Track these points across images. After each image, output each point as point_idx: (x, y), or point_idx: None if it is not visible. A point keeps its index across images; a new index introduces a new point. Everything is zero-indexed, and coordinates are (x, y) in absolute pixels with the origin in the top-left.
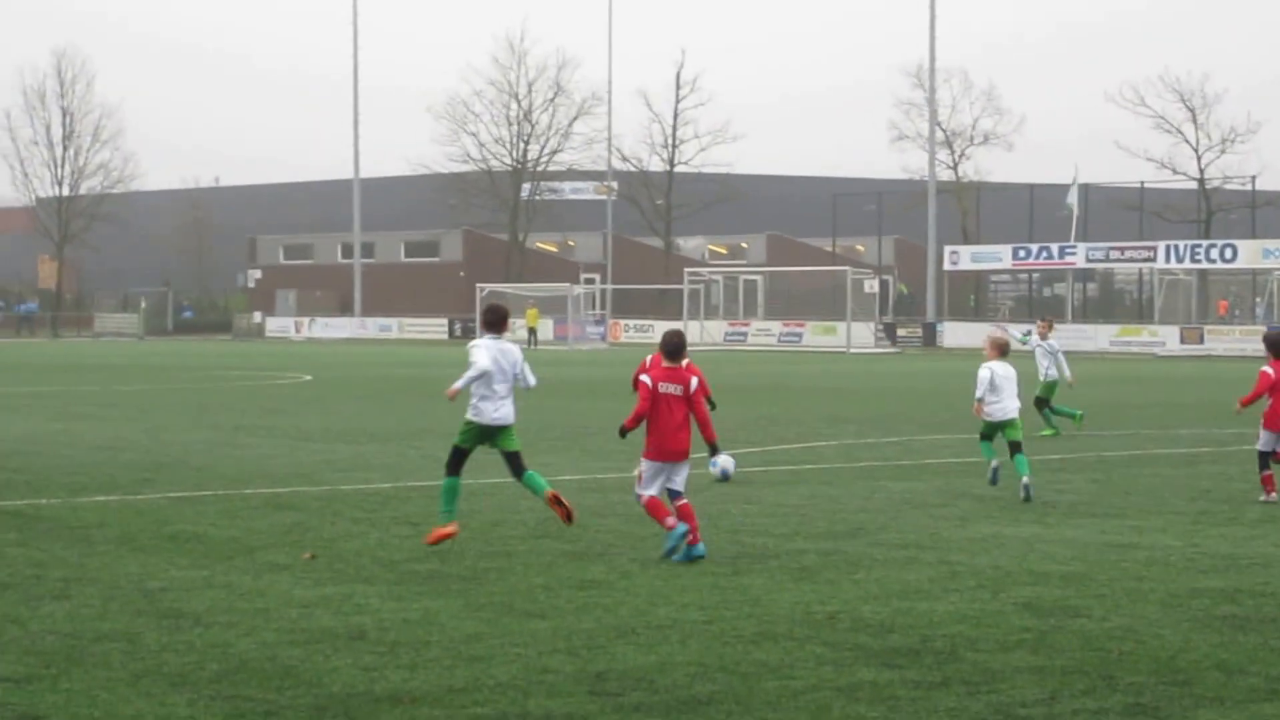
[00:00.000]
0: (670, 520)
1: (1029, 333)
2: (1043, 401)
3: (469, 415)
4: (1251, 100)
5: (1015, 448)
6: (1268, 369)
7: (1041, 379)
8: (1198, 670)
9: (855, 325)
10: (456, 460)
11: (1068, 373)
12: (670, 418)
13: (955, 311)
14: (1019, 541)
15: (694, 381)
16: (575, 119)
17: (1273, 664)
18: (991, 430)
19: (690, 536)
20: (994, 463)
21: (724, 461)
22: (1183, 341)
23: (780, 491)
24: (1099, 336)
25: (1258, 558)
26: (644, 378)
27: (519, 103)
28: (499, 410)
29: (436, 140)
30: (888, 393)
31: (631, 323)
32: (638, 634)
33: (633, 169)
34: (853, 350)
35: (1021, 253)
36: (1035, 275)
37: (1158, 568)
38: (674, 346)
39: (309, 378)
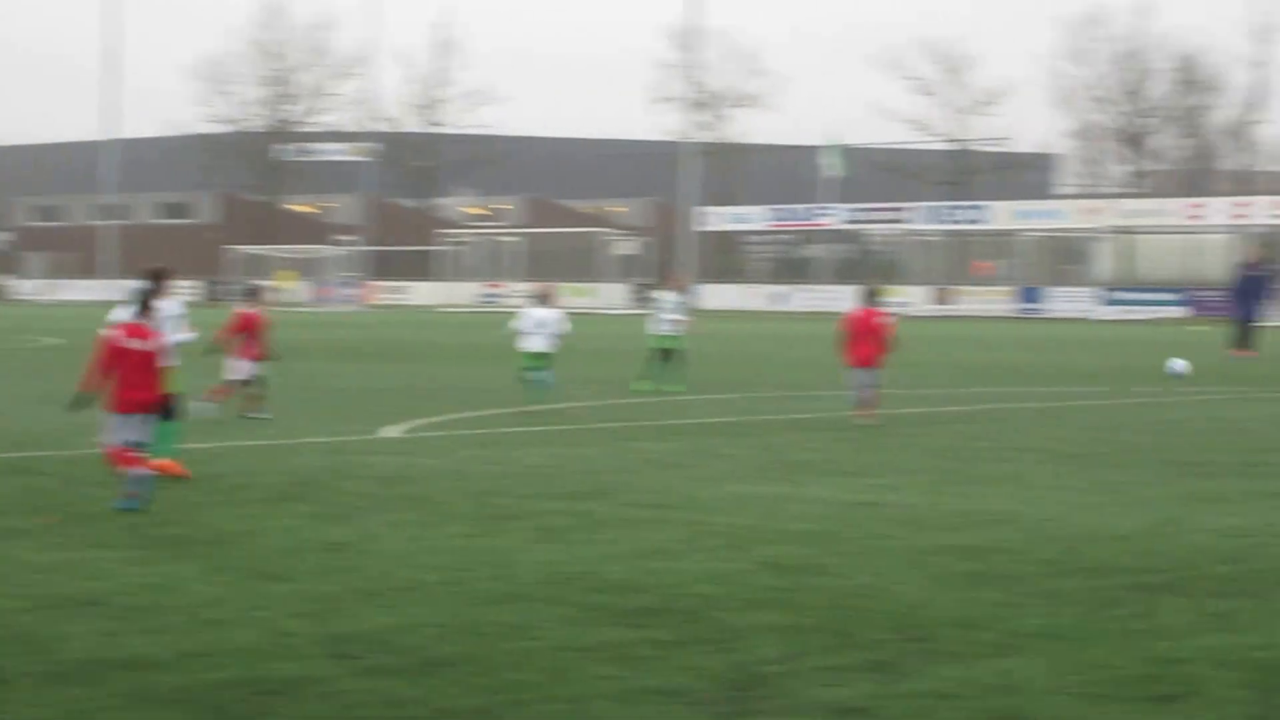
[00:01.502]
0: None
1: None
2: (664, 354)
3: None
4: (1005, 64)
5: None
6: None
7: (660, 333)
8: (937, 626)
9: (610, 286)
10: None
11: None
12: (130, 372)
13: (712, 273)
14: (766, 500)
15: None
16: (335, 79)
17: (1010, 619)
18: None
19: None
20: None
21: None
22: (934, 302)
23: (528, 452)
24: (851, 297)
25: (998, 514)
26: (111, 334)
27: (279, 63)
28: None
29: (194, 101)
30: (640, 354)
31: (387, 285)
32: (381, 596)
33: (391, 130)
34: (607, 311)
35: (778, 214)
36: (791, 236)
37: (900, 526)
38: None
39: (57, 341)
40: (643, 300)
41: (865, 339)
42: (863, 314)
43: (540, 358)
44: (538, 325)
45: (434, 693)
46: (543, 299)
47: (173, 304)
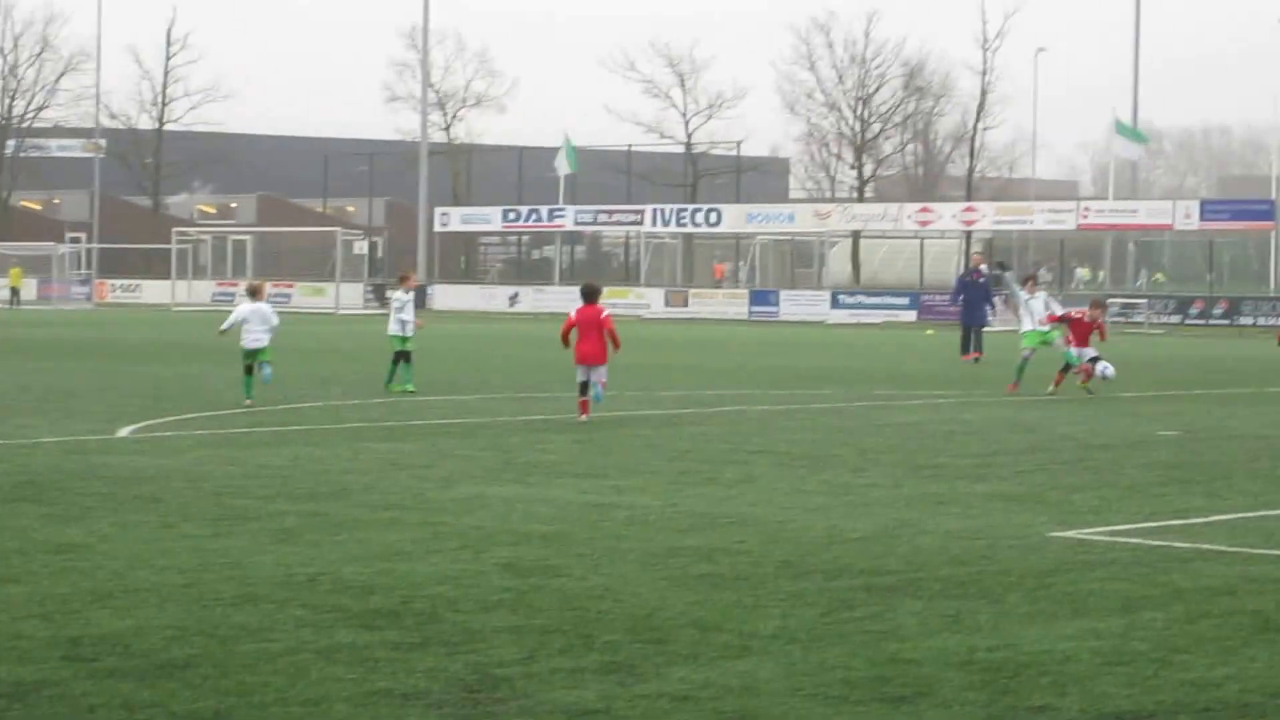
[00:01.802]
0: None
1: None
2: (400, 355)
3: None
4: (738, 68)
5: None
6: None
7: (395, 334)
8: (673, 628)
9: (344, 286)
10: None
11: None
12: None
13: (446, 274)
14: (501, 502)
15: None
16: (62, 75)
17: (745, 621)
18: None
19: None
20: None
21: None
22: (668, 304)
23: (264, 453)
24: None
25: (734, 516)
26: None
27: (4, 57)
28: None
29: None
30: (375, 354)
31: (119, 282)
32: (115, 598)
33: (122, 127)
34: (341, 311)
35: (511, 215)
36: (525, 238)
37: (637, 527)
38: None
39: None
40: (379, 300)
41: (589, 336)
42: (586, 311)
43: (256, 353)
44: (251, 319)
45: (170, 695)
46: (253, 293)
47: None
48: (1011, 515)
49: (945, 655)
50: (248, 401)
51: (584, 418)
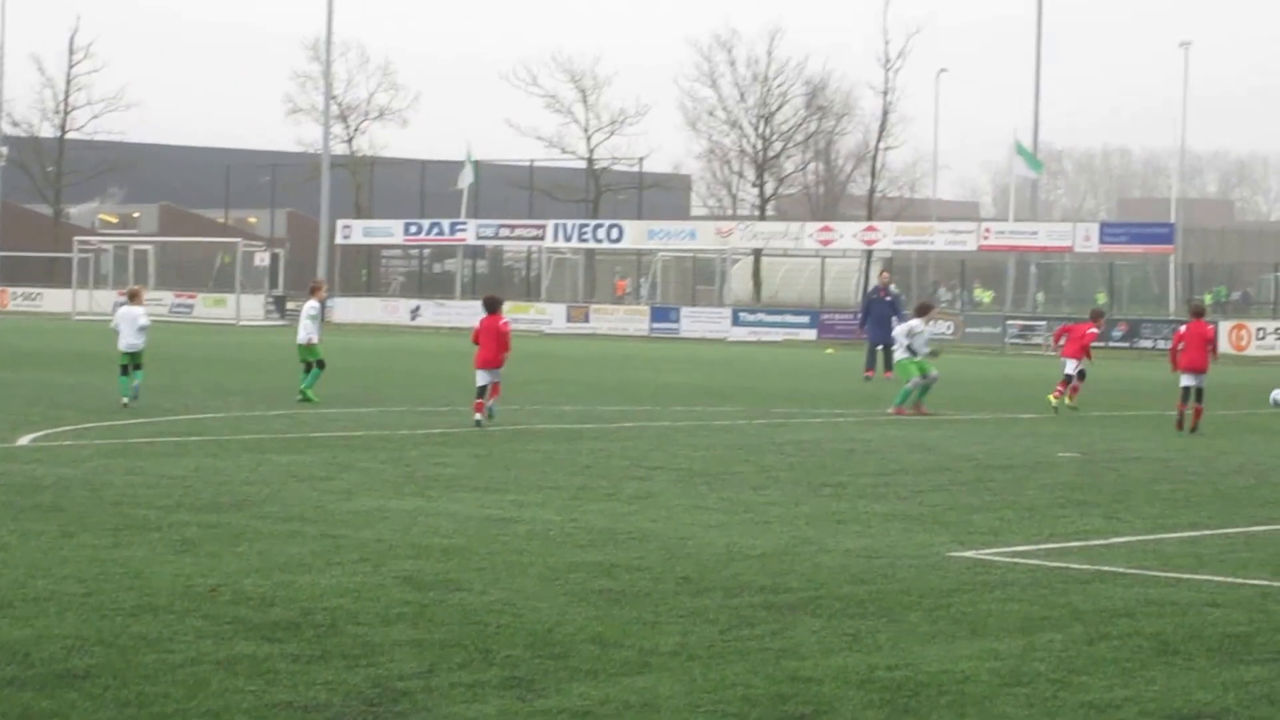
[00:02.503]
0: None
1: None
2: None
3: None
4: (641, 83)
5: None
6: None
7: (302, 343)
8: (573, 643)
9: (246, 297)
10: None
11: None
12: None
13: (347, 287)
14: (402, 515)
15: None
16: None
17: (645, 637)
18: None
19: None
20: None
21: None
22: (569, 320)
23: (164, 463)
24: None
25: (634, 532)
26: None
27: None
28: None
29: None
30: (276, 365)
31: (20, 291)
32: (14, 607)
33: (24, 135)
34: (243, 322)
35: (413, 228)
36: (427, 251)
37: (537, 542)
38: None
39: None
40: (280, 312)
41: (488, 344)
42: (487, 321)
43: (132, 355)
44: (123, 323)
45: (69, 706)
46: (131, 298)
47: None
48: (911, 535)
49: (845, 674)
50: (124, 401)
51: (478, 416)
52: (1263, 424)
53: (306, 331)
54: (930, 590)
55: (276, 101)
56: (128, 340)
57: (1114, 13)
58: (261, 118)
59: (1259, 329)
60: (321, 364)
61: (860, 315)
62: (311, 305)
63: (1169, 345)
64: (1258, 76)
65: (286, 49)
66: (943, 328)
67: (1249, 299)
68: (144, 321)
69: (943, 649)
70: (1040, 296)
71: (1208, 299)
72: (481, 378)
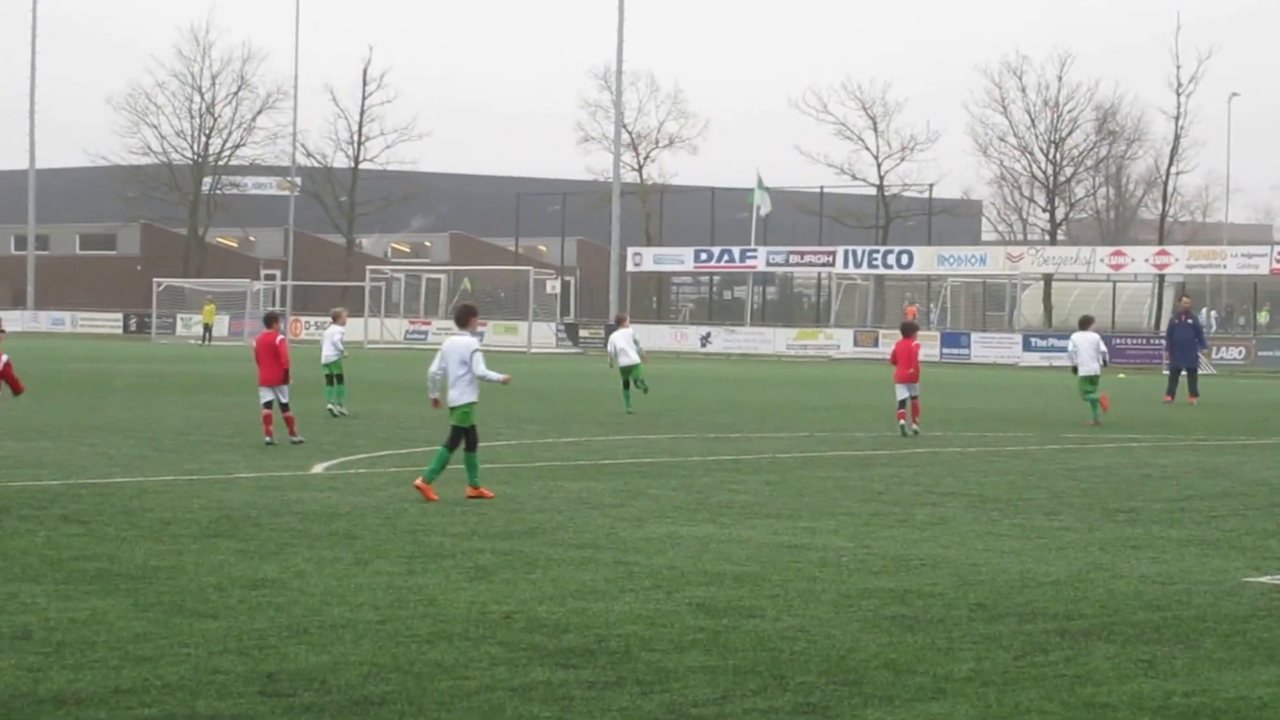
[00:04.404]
0: None
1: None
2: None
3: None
4: (931, 109)
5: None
6: None
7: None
8: (867, 670)
9: (537, 325)
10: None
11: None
12: None
13: (637, 313)
14: (694, 541)
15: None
16: (259, 113)
17: (938, 663)
18: None
19: None
20: None
21: None
22: (856, 344)
23: (458, 490)
24: (778, 339)
25: (926, 559)
26: None
27: (202, 95)
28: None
29: (116, 132)
30: (567, 393)
31: (313, 320)
32: (310, 634)
33: (317, 165)
34: (534, 350)
35: (703, 255)
36: (716, 278)
37: (830, 568)
38: None
39: None
40: (572, 339)
41: (265, 360)
42: (263, 338)
43: (331, 366)
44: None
45: None
46: (334, 319)
47: None
48: (1206, 560)
49: (1140, 700)
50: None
51: (269, 439)
52: None
53: (334, 351)
54: (1226, 616)
55: (568, 130)
56: (331, 355)
57: None
58: (553, 146)
59: None
60: (340, 378)
61: (1167, 340)
62: (337, 329)
63: None
64: None
65: (576, 78)
66: (1234, 353)
67: None
68: (337, 341)
69: (1239, 675)
70: None
71: None
72: (265, 395)
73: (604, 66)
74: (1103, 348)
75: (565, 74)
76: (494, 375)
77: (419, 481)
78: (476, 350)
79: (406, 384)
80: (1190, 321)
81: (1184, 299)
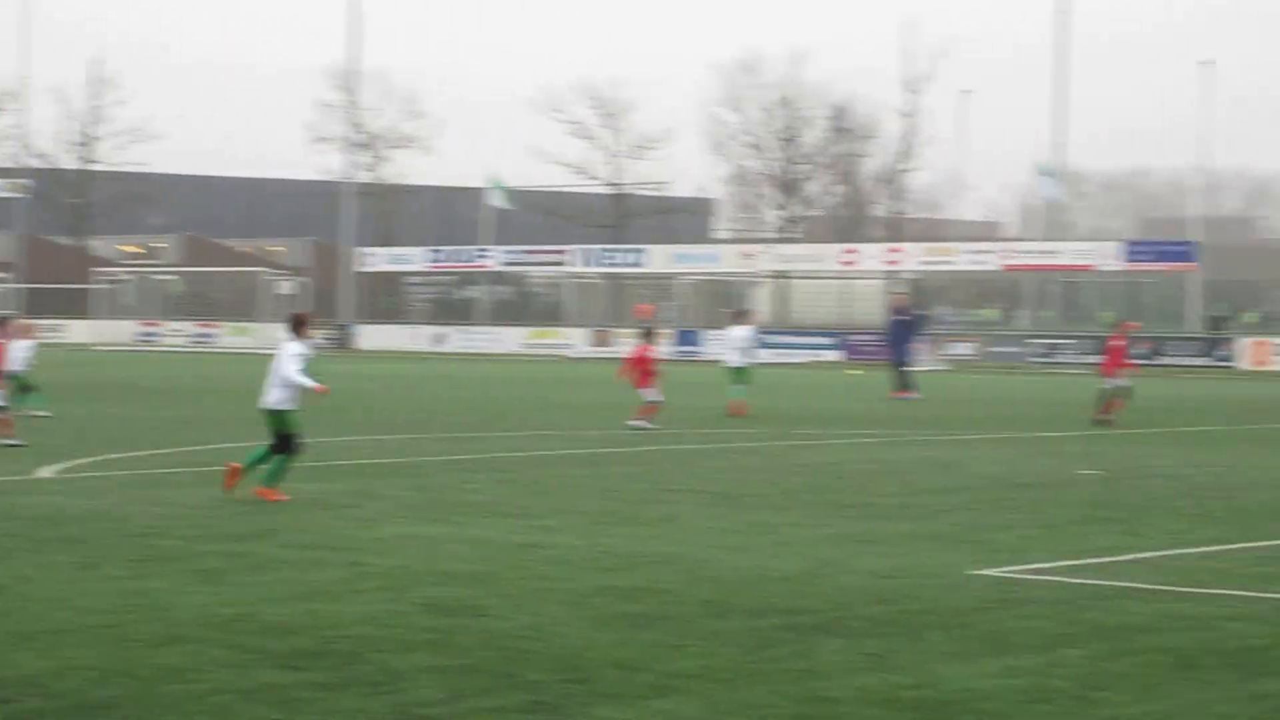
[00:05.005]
0: None
1: None
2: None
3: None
4: (665, 109)
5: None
6: None
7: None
8: (597, 667)
9: (270, 327)
10: None
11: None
12: None
13: (371, 314)
14: (426, 542)
15: None
16: None
17: (668, 660)
18: None
19: None
20: None
21: None
22: (592, 344)
23: (188, 493)
24: (511, 339)
25: (657, 556)
26: None
27: None
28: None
29: None
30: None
31: (44, 322)
32: (35, 639)
33: (46, 167)
34: (266, 352)
35: (437, 255)
36: (451, 277)
37: (562, 567)
38: None
39: None
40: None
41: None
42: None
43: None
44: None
45: None
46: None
47: None
48: (934, 554)
49: (867, 694)
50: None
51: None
52: None
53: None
54: (952, 609)
55: (299, 130)
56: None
57: (1135, 34)
58: (285, 147)
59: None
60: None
61: (886, 336)
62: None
63: (1175, 363)
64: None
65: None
66: (966, 348)
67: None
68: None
69: (964, 667)
70: (1050, 314)
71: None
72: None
73: (337, 65)
74: (752, 342)
75: (299, 75)
76: (308, 382)
77: (257, 489)
78: (294, 355)
79: (136, 387)
80: (906, 318)
81: (897, 295)
